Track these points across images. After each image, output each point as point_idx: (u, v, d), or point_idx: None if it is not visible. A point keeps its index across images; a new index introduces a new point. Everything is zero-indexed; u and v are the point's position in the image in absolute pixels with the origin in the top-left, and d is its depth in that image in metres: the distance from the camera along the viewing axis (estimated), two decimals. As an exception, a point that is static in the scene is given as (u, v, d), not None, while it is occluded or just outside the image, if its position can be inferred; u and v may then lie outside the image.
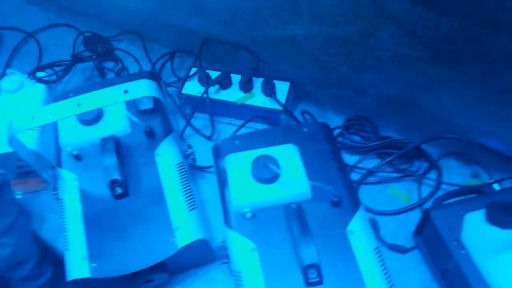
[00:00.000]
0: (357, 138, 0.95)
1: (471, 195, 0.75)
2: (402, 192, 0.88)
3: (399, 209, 0.85)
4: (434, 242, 0.74)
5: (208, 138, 1.01)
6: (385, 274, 0.65)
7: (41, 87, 1.02)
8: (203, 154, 0.89)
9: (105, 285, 0.75)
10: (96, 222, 0.76)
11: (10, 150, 0.74)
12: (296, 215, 0.68)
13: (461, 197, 0.75)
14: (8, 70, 1.02)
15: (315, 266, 0.64)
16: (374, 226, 0.79)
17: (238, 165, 0.77)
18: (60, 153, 0.85)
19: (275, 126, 0.96)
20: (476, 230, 0.67)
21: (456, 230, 0.68)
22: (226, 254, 0.74)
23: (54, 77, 1.09)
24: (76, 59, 1.16)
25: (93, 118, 0.86)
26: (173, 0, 1.04)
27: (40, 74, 1.07)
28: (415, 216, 0.82)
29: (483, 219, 0.68)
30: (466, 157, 0.88)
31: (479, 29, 0.64)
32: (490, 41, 0.65)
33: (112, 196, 0.77)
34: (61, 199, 0.79)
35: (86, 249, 0.73)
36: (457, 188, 0.82)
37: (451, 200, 0.76)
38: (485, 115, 0.78)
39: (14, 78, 1.02)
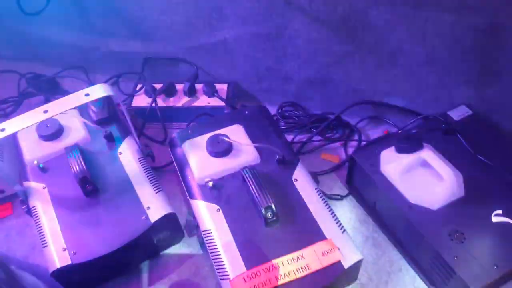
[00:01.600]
0: (290, 121, 1.12)
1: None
2: (332, 155, 1.05)
3: (332, 167, 1.02)
4: (361, 181, 0.91)
5: (161, 143, 1.12)
6: (326, 205, 0.80)
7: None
8: (159, 159, 0.99)
9: (93, 273, 0.81)
10: (70, 218, 0.82)
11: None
12: (250, 172, 0.82)
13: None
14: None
15: (270, 208, 0.77)
16: (315, 179, 0.94)
17: (195, 147, 0.89)
18: (25, 169, 0.92)
19: (221, 114, 1.09)
20: (389, 160, 0.85)
21: (375, 164, 0.86)
22: (195, 225, 0.84)
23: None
24: (24, 94, 1.23)
25: (53, 133, 0.94)
26: (111, 28, 1.17)
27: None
28: (344, 171, 0.99)
29: (393, 151, 0.86)
30: (377, 120, 1.08)
31: (363, 4, 0.85)
32: (374, 13, 0.85)
33: (83, 194, 0.85)
34: (34, 206, 0.86)
35: (63, 241, 0.79)
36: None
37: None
38: (383, 78, 0.98)
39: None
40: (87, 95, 0.81)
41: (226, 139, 0.87)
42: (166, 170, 1.05)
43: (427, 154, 0.81)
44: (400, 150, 0.85)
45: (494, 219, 0.76)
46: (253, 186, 0.79)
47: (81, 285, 0.85)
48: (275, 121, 0.98)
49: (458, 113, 0.93)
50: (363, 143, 1.04)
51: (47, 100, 1.22)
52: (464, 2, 0.77)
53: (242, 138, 0.90)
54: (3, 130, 0.77)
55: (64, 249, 0.79)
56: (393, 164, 0.84)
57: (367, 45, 0.93)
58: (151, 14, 1.08)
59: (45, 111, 0.79)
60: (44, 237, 0.81)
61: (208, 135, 0.91)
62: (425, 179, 0.81)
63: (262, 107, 0.99)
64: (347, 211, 0.95)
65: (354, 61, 0.97)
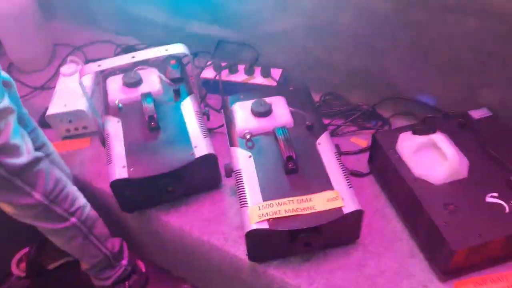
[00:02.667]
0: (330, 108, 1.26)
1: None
2: (361, 140, 1.17)
3: (358, 150, 1.14)
4: (379, 159, 1.03)
5: (217, 111, 1.31)
6: (340, 166, 0.93)
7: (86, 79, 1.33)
8: (213, 122, 1.17)
9: (142, 192, 1.01)
10: (134, 146, 1.03)
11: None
12: (281, 129, 0.97)
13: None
14: (68, 58, 1.37)
15: (292, 159, 0.92)
16: (337, 149, 1.06)
17: (242, 108, 1.07)
18: (108, 107, 1.16)
19: (269, 86, 1.26)
20: (405, 141, 0.96)
21: (392, 143, 0.97)
22: (230, 169, 1.01)
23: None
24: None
25: (135, 82, 1.17)
26: (195, 12, 1.41)
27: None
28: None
29: (410, 134, 0.97)
30: (408, 114, 1.18)
31: (403, 6, 0.98)
32: (414, 13, 0.98)
33: (148, 130, 1.06)
34: (108, 133, 1.08)
35: (125, 161, 1.00)
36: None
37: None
38: (416, 76, 1.10)
39: (72, 65, 1.37)
40: (166, 50, 1.03)
41: (269, 102, 1.04)
42: (217, 132, 1.23)
43: (438, 137, 0.92)
44: (415, 132, 0.96)
45: (488, 199, 0.85)
46: (281, 140, 0.95)
47: (131, 202, 1.05)
48: (313, 99, 1.12)
49: (478, 113, 1.01)
50: (391, 132, 1.15)
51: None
52: (486, 7, 0.88)
53: (282, 107, 1.06)
54: (99, 65, 1.01)
55: (124, 167, 0.99)
56: (407, 143, 0.95)
57: (403, 43, 1.05)
58: (230, 2, 1.29)
59: (133, 57, 1.02)
60: (110, 155, 1.02)
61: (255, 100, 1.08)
62: (432, 158, 0.91)
63: (305, 86, 1.15)
64: (365, 187, 1.06)
65: (392, 58, 1.10)
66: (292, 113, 1.05)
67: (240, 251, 0.96)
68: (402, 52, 1.08)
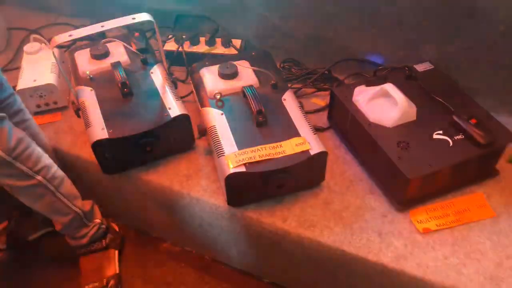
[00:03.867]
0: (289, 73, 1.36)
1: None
2: (320, 101, 1.28)
3: (318, 109, 1.25)
4: (337, 112, 1.14)
5: (183, 82, 1.37)
6: (305, 117, 1.03)
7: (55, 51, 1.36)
8: (180, 92, 1.23)
9: (122, 153, 1.06)
10: (109, 111, 1.07)
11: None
12: (249, 88, 1.06)
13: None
14: (32, 36, 1.37)
15: (261, 112, 1.00)
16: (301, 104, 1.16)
17: (209, 72, 1.15)
18: (78, 78, 1.18)
19: (232, 55, 1.34)
20: (360, 92, 1.08)
21: (349, 96, 1.09)
22: (204, 129, 1.08)
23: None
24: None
25: (103, 53, 1.21)
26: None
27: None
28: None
29: (364, 86, 1.09)
30: (360, 75, 1.30)
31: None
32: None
33: (121, 95, 1.11)
34: (83, 101, 1.11)
35: (104, 123, 1.04)
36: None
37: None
38: (365, 38, 1.22)
39: (35, 43, 1.37)
40: (134, 18, 1.08)
41: (234, 63, 1.12)
42: (185, 101, 1.29)
43: (389, 86, 1.04)
44: (368, 84, 1.08)
45: (435, 136, 0.98)
46: (250, 97, 1.03)
47: (111, 163, 1.09)
48: (274, 62, 1.21)
49: (422, 67, 1.15)
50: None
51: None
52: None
53: (247, 69, 1.14)
54: (70, 35, 1.04)
55: (103, 129, 1.03)
56: (361, 94, 1.07)
57: (352, 8, 1.17)
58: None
59: (102, 26, 1.06)
60: (89, 120, 1.06)
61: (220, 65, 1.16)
62: (384, 105, 1.03)
63: (265, 51, 1.23)
64: (326, 140, 1.17)
65: (343, 22, 1.21)
66: (256, 73, 1.13)
67: (219, 200, 1.04)
68: (351, 16, 1.20)
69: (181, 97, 1.26)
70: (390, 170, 0.96)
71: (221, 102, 1.08)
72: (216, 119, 1.04)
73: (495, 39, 1.09)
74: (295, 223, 0.98)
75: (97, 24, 1.06)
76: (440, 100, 1.05)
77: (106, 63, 1.20)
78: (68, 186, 1.11)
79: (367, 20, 1.18)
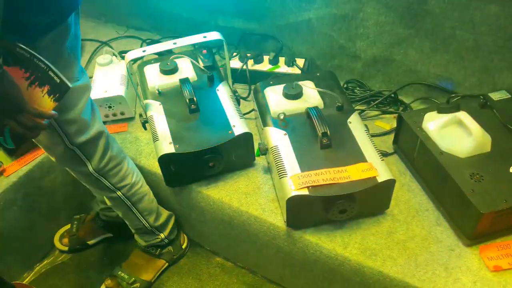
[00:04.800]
0: (353, 94, 1.34)
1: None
2: (384, 123, 1.25)
3: (383, 132, 1.22)
4: (405, 137, 1.11)
5: (244, 99, 1.39)
6: (371, 141, 1.01)
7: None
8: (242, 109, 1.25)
9: (186, 167, 1.08)
10: (177, 125, 1.10)
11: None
12: (314, 109, 1.05)
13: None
14: (104, 49, 1.44)
15: (326, 134, 0.99)
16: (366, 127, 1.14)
17: (273, 92, 1.15)
18: (147, 92, 1.23)
19: (295, 74, 1.34)
20: (431, 119, 1.04)
21: (419, 122, 1.05)
22: (265, 147, 1.08)
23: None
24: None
25: (171, 69, 1.25)
26: (220, 6, 1.49)
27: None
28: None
29: (435, 113, 1.05)
30: (428, 100, 1.26)
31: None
32: (432, 1, 1.06)
33: (188, 111, 1.14)
34: (151, 115, 1.15)
35: (171, 138, 1.07)
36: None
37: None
38: (436, 62, 1.18)
39: (107, 56, 1.45)
40: (205, 36, 1.11)
41: (299, 84, 1.11)
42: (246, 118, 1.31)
43: (463, 114, 0.99)
44: (440, 111, 1.03)
45: (511, 170, 0.92)
46: (314, 118, 1.02)
47: (175, 176, 1.12)
48: (339, 83, 1.20)
49: (498, 95, 1.09)
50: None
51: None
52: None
53: (312, 90, 1.14)
54: (144, 51, 1.09)
55: (170, 143, 1.06)
56: (433, 121, 1.03)
57: (425, 30, 1.14)
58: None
59: (175, 43, 1.10)
60: (156, 133, 1.09)
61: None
62: (457, 134, 0.99)
63: (331, 72, 1.22)
64: (391, 165, 1.14)
65: (413, 44, 1.18)
66: (321, 94, 1.12)
67: (277, 220, 1.03)
68: (423, 39, 1.16)
69: (246, 113, 1.29)
70: (461, 202, 0.91)
71: (284, 122, 1.08)
72: (279, 139, 1.04)
73: None
74: (356, 251, 0.96)
75: (169, 41, 1.11)
76: (519, 131, 0.99)
77: (174, 79, 1.23)
78: (146, 202, 1.16)
79: (441, 44, 1.14)
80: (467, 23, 1.06)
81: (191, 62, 1.28)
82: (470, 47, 1.11)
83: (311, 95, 1.13)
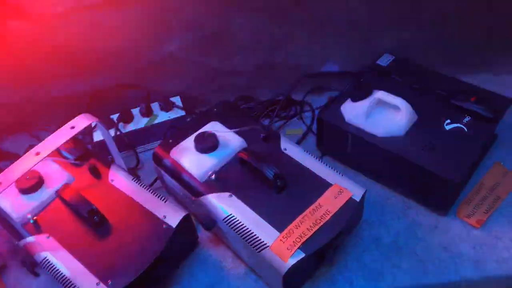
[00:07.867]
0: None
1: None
2: (295, 129, 1.17)
3: (299, 139, 1.14)
4: (331, 138, 1.04)
5: (133, 169, 1.13)
6: (319, 160, 0.91)
7: None
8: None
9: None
10: (88, 253, 0.81)
11: None
12: (247, 152, 0.89)
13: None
14: None
15: (279, 175, 0.85)
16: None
17: (184, 151, 0.94)
18: (18, 227, 0.87)
19: (192, 119, 1.12)
20: (350, 111, 0.99)
21: (340, 117, 0.99)
22: (212, 220, 0.88)
23: None
24: None
25: (36, 183, 0.91)
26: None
27: None
28: (311, 140, 1.12)
29: (350, 102, 1.00)
30: (319, 89, 1.23)
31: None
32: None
33: (92, 227, 0.84)
34: (45, 257, 0.82)
35: (94, 276, 0.78)
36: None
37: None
38: (317, 49, 1.13)
39: None
40: (73, 127, 0.82)
41: (211, 132, 0.93)
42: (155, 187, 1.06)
43: (380, 93, 0.97)
44: (356, 99, 0.99)
45: (447, 127, 0.94)
46: (255, 162, 0.87)
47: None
48: (245, 111, 1.06)
49: (384, 60, 1.11)
50: (317, 111, 1.18)
51: None
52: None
53: (223, 131, 0.97)
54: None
55: (98, 283, 0.77)
56: (354, 112, 0.98)
57: (301, 22, 1.07)
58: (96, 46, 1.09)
59: (37, 153, 0.78)
60: (69, 281, 0.78)
61: (191, 137, 0.96)
62: (385, 114, 0.96)
63: (226, 102, 1.07)
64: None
65: (292, 39, 1.11)
66: (237, 133, 0.97)
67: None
68: (299, 30, 1.09)
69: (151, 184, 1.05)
70: (424, 178, 0.90)
71: (220, 181, 0.90)
72: (230, 205, 0.85)
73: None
74: (362, 280, 0.87)
75: (29, 153, 0.78)
76: (428, 88, 1.02)
77: (47, 193, 0.90)
78: None
79: (318, 29, 1.09)
80: (341, 2, 1.03)
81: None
82: (345, 25, 1.09)
83: (228, 138, 0.96)
